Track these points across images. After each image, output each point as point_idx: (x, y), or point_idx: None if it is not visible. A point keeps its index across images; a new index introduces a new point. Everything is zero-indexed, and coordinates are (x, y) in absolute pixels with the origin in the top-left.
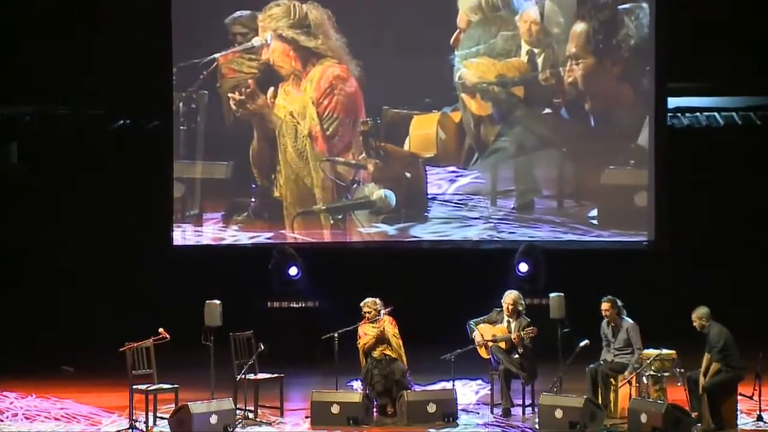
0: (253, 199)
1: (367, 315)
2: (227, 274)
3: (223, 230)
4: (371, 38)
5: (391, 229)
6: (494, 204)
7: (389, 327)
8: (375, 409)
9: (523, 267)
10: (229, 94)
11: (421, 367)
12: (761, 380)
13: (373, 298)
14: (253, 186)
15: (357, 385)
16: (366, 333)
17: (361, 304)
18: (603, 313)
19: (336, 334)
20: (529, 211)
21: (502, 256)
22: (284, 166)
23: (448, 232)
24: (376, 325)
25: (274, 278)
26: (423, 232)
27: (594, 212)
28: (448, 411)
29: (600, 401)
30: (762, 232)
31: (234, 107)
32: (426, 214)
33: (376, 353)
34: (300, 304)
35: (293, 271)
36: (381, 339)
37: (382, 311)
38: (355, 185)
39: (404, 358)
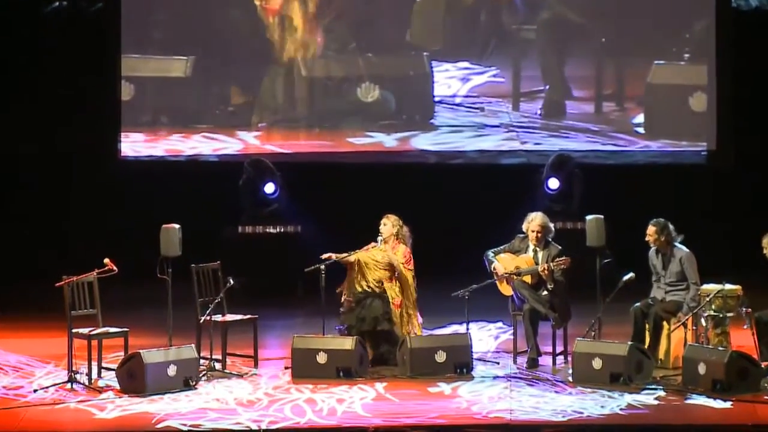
0: (220, 104)
1: (383, 236)
2: (188, 193)
3: (183, 140)
4: None
5: (389, 140)
6: (516, 108)
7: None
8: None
9: (553, 183)
10: None
11: (428, 307)
12: None
13: (393, 215)
14: (221, 87)
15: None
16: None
17: (383, 220)
18: (650, 239)
19: (323, 266)
20: (560, 116)
21: (527, 172)
22: (262, 64)
23: (459, 143)
24: (382, 249)
25: (246, 197)
26: (428, 143)
27: (640, 118)
28: (461, 360)
29: (648, 348)
30: None
31: None
32: (432, 121)
33: (357, 285)
34: (278, 229)
35: (269, 188)
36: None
37: (401, 226)
38: (345, 85)
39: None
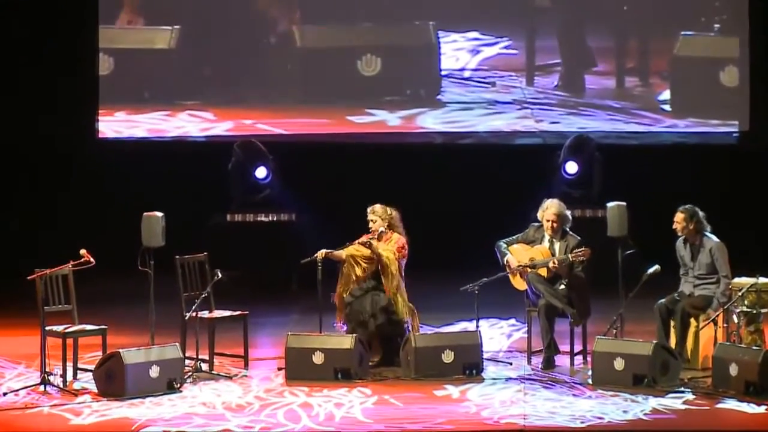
0: (207, 79)
1: (375, 234)
2: (172, 177)
3: (167, 119)
4: None
5: (392, 118)
6: (531, 83)
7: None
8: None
9: (571, 167)
10: None
11: (435, 303)
12: None
13: (383, 207)
14: (209, 60)
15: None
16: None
17: (369, 210)
18: (678, 228)
19: (319, 257)
20: (579, 92)
21: (542, 154)
22: (253, 34)
23: (468, 122)
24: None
25: (236, 183)
26: (435, 122)
27: (665, 94)
28: (470, 361)
29: (675, 347)
30: None
31: None
32: (439, 97)
33: (358, 270)
34: (270, 217)
35: (261, 172)
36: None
37: (391, 215)
38: (344, 58)
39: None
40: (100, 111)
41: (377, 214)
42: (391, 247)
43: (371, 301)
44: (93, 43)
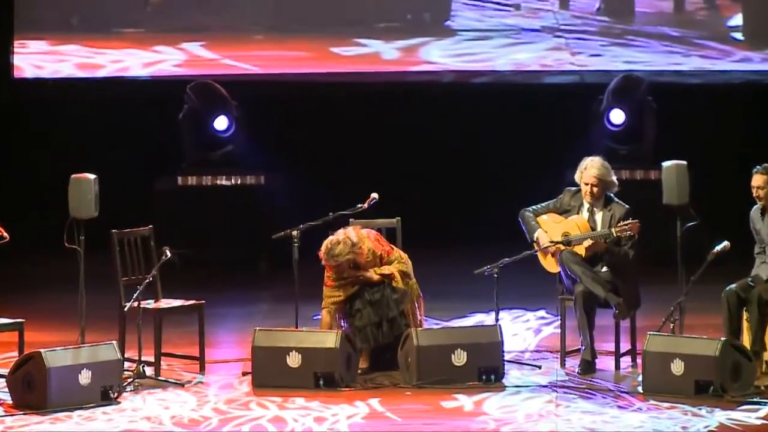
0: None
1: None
2: (108, 128)
3: (101, 52)
4: None
5: (388, 49)
6: (566, 5)
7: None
8: (364, 359)
9: (617, 116)
10: None
11: (443, 289)
12: None
13: (331, 243)
14: None
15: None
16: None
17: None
18: (754, 192)
19: (295, 232)
20: (627, 18)
21: (580, 99)
22: None
23: (485, 55)
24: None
25: (189, 136)
26: (443, 55)
27: (737, 19)
28: (488, 364)
29: (749, 345)
30: None
31: None
32: (448, 23)
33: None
34: (233, 181)
35: (221, 123)
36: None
37: (352, 239)
38: None
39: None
40: (15, 42)
41: (339, 260)
42: (396, 266)
43: (383, 296)
44: None
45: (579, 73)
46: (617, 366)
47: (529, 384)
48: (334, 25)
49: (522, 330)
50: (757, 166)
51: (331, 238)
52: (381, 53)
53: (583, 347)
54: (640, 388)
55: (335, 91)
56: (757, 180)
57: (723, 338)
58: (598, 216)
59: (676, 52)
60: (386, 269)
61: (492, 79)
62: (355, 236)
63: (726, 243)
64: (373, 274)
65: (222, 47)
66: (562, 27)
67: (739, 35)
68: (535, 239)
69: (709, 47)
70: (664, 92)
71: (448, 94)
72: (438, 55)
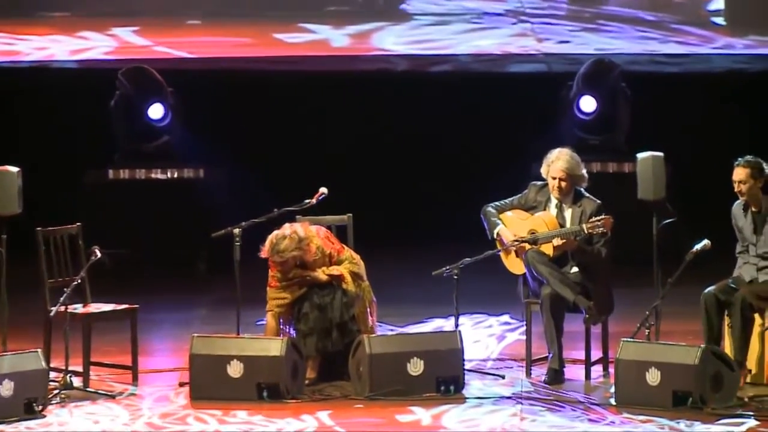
0: None
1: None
2: (31, 118)
3: (24, 38)
4: None
5: (337, 36)
6: None
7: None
8: (312, 369)
9: (588, 104)
10: None
11: (397, 292)
12: None
13: (277, 237)
14: None
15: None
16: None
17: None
18: (736, 187)
19: (237, 230)
20: (598, 1)
21: (547, 87)
22: None
23: (444, 41)
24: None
25: (121, 126)
26: (398, 41)
27: (718, 3)
28: (447, 373)
29: (731, 353)
30: None
31: None
32: (403, 6)
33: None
34: (169, 174)
35: (156, 111)
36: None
37: (299, 235)
38: None
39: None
40: None
41: (285, 256)
42: (347, 266)
43: (332, 300)
44: None
45: (546, 60)
46: (588, 376)
47: (492, 395)
48: (278, 9)
49: (484, 336)
50: (739, 159)
51: (276, 232)
52: (330, 40)
53: (551, 355)
54: (612, 400)
55: (279, 80)
56: (738, 174)
57: (703, 345)
58: (568, 212)
59: (652, 38)
60: (336, 269)
61: (452, 68)
62: (303, 232)
63: (706, 241)
64: (321, 274)
65: (155, 33)
66: (528, 11)
67: (720, 20)
68: (496, 236)
69: (687, 32)
70: (639, 80)
71: (403, 83)
72: (392, 42)
